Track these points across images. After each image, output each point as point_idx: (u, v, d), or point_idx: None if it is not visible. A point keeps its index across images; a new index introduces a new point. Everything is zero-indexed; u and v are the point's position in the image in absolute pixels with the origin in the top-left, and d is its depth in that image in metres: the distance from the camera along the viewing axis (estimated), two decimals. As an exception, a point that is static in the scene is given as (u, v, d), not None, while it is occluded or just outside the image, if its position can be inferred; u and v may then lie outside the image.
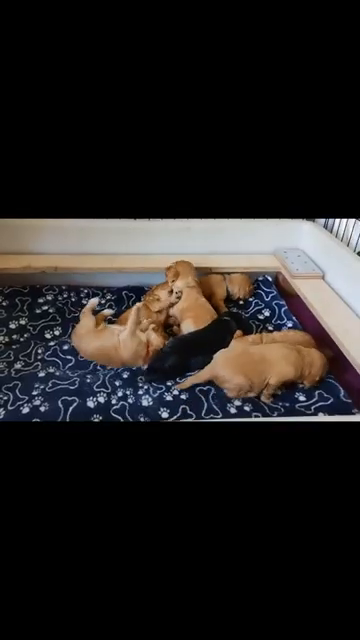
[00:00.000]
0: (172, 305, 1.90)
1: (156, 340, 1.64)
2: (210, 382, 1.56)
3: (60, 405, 1.43)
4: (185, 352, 1.60)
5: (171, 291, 1.94)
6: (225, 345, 1.60)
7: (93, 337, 1.65)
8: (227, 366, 1.50)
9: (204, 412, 1.46)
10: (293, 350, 1.53)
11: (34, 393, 1.47)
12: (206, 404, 1.49)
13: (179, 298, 1.88)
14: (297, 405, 1.51)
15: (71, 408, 1.42)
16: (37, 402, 1.43)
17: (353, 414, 1.46)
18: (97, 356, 1.65)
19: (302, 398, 1.53)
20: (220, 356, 1.55)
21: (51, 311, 1.96)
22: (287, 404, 1.51)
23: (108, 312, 1.82)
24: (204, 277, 2.10)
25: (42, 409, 1.41)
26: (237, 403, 1.50)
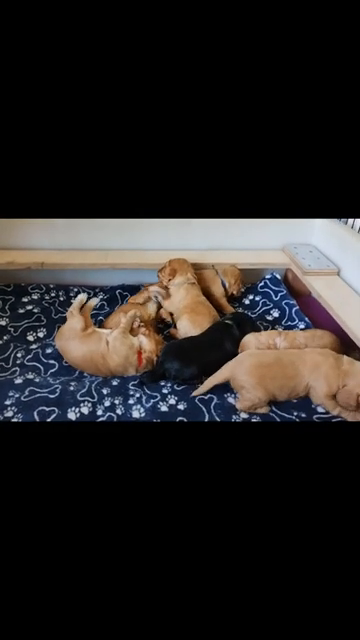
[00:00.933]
0: (161, 295, 1.73)
1: (148, 345, 1.44)
2: (213, 391, 1.36)
3: (36, 417, 1.22)
4: (178, 360, 1.40)
5: (166, 288, 1.75)
6: (222, 352, 1.41)
7: (80, 342, 1.44)
8: (253, 375, 1.29)
9: (205, 425, 1.25)
10: (329, 357, 1.29)
11: (7, 402, 1.27)
12: (207, 415, 1.28)
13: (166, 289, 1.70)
14: (315, 417, 1.29)
15: (48, 420, 1.21)
16: (9, 413, 1.23)
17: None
18: (84, 364, 1.45)
19: (320, 409, 1.31)
20: (248, 359, 1.33)
21: (36, 311, 1.77)
22: (303, 414, 1.30)
23: (94, 302, 1.63)
24: (196, 274, 1.89)
25: (14, 421, 1.20)
26: (244, 415, 1.29)
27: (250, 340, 1.47)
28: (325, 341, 1.48)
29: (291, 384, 1.28)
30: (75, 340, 1.44)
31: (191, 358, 1.40)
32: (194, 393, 1.34)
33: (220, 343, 1.45)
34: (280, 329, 1.74)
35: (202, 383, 1.36)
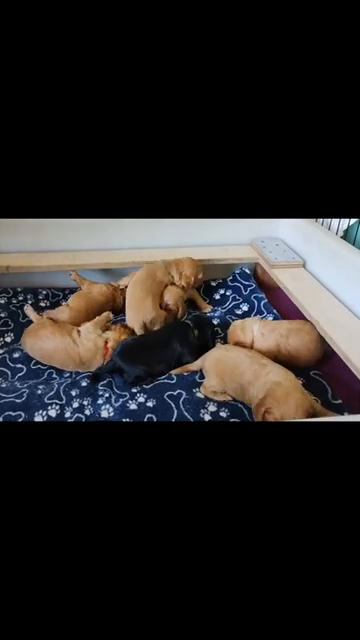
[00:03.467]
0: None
1: (113, 335, 1.51)
2: (182, 387, 1.38)
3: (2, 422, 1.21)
4: (127, 357, 1.42)
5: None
6: (170, 352, 1.45)
7: (52, 330, 1.48)
8: (213, 363, 1.37)
9: (174, 420, 1.26)
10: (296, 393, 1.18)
11: (-28, 410, 1.25)
12: (176, 411, 1.29)
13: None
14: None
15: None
16: (-26, 420, 1.21)
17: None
18: (54, 351, 1.47)
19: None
20: (218, 350, 1.42)
21: (3, 315, 1.74)
22: (269, 406, 1.32)
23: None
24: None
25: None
26: (212, 408, 1.31)
27: (236, 325, 1.55)
28: (312, 336, 1.47)
29: (239, 382, 1.29)
30: (47, 328, 1.49)
31: (138, 358, 1.41)
32: (173, 372, 1.43)
33: (169, 343, 1.47)
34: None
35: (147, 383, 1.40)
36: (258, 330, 1.49)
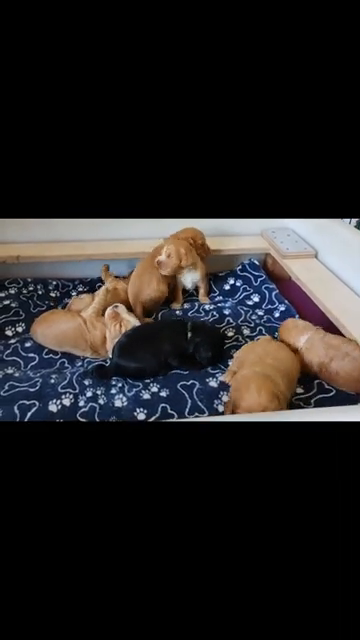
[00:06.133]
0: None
1: (112, 331, 1.51)
2: (195, 377, 1.37)
3: (16, 411, 1.21)
4: (124, 356, 1.40)
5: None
6: (157, 348, 1.38)
7: (64, 314, 1.57)
8: (246, 346, 1.43)
9: (187, 410, 1.26)
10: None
11: (-14, 399, 1.25)
12: (190, 401, 1.29)
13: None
14: (294, 398, 1.31)
15: (29, 414, 1.21)
16: (-11, 409, 1.21)
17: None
18: (68, 332, 1.50)
19: (300, 390, 1.33)
20: (260, 340, 1.49)
21: (14, 305, 1.73)
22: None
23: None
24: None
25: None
26: (225, 399, 1.30)
27: (290, 324, 1.48)
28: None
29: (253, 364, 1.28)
30: (59, 314, 1.59)
31: (133, 354, 1.39)
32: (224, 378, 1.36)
33: (157, 337, 1.42)
34: (260, 313, 1.76)
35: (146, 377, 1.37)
36: (308, 341, 1.37)
